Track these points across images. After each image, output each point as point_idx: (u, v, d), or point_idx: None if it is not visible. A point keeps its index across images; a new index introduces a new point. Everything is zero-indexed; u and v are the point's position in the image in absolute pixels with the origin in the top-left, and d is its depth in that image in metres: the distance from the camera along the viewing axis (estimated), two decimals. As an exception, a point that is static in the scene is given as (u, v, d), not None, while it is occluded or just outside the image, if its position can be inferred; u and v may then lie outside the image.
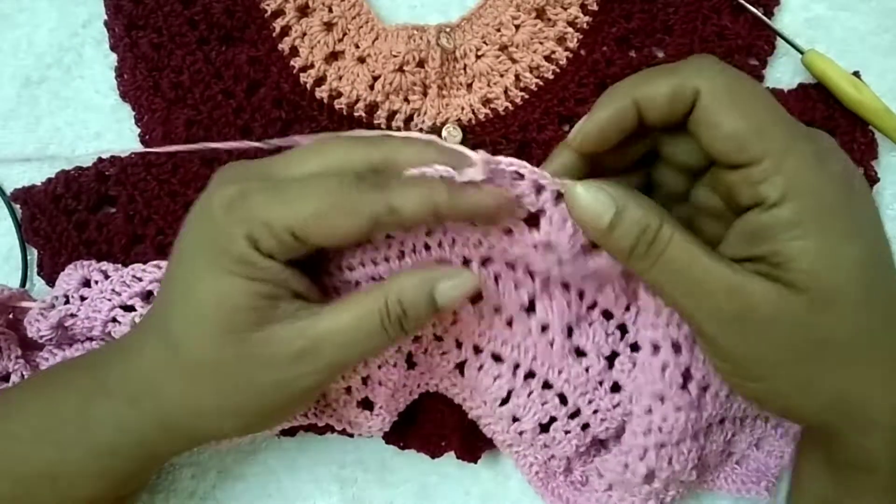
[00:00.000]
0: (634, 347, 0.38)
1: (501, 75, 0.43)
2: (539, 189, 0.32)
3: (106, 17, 0.43)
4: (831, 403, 0.31)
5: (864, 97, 0.41)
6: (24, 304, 0.40)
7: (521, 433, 0.40)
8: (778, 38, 0.43)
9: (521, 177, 0.31)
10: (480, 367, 0.39)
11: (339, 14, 0.43)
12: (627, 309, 0.38)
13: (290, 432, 0.44)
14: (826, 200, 0.29)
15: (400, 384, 0.40)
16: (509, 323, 0.37)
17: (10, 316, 0.41)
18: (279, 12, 0.43)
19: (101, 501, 0.35)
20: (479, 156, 0.30)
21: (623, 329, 0.38)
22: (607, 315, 0.38)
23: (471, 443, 0.42)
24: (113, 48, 0.43)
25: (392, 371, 0.38)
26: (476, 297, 0.36)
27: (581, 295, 0.37)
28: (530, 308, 0.37)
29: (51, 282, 0.42)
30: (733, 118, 0.29)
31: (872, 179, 0.42)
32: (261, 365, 0.31)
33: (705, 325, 0.31)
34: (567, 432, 0.39)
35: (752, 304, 0.29)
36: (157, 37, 0.42)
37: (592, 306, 0.37)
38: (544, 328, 0.37)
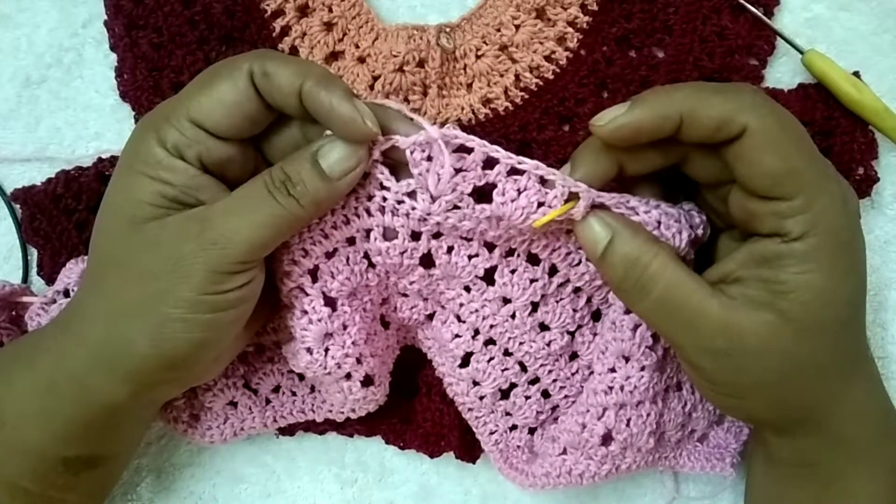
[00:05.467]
0: (596, 316, 0.38)
1: (501, 75, 0.43)
2: (490, 163, 0.33)
3: (106, 17, 0.43)
4: (796, 416, 0.33)
5: (864, 97, 0.41)
6: (26, 299, 0.40)
7: (481, 398, 0.40)
8: (778, 38, 0.43)
9: (469, 151, 0.32)
10: (444, 322, 0.39)
11: (339, 14, 0.43)
12: (601, 287, 0.38)
13: (290, 432, 0.44)
14: (839, 240, 0.31)
15: (384, 346, 0.40)
16: (466, 289, 0.37)
17: (13, 313, 0.41)
18: (279, 12, 0.43)
19: (47, 457, 0.35)
20: (435, 132, 0.32)
21: (589, 300, 0.38)
22: (577, 290, 0.38)
23: (470, 442, 0.42)
24: (113, 48, 0.43)
25: (376, 340, 0.39)
26: (427, 263, 0.36)
27: (552, 271, 0.37)
28: (489, 279, 0.37)
29: (50, 281, 0.42)
30: (774, 158, 0.30)
31: (872, 179, 0.42)
32: (152, 247, 0.32)
33: (695, 358, 0.33)
34: (527, 398, 0.40)
35: (742, 338, 0.31)
36: (157, 37, 0.42)
37: (564, 283, 0.37)
38: (506, 300, 0.37)
